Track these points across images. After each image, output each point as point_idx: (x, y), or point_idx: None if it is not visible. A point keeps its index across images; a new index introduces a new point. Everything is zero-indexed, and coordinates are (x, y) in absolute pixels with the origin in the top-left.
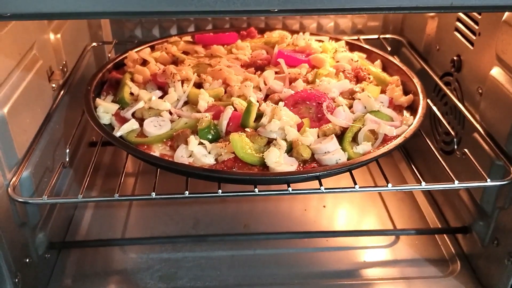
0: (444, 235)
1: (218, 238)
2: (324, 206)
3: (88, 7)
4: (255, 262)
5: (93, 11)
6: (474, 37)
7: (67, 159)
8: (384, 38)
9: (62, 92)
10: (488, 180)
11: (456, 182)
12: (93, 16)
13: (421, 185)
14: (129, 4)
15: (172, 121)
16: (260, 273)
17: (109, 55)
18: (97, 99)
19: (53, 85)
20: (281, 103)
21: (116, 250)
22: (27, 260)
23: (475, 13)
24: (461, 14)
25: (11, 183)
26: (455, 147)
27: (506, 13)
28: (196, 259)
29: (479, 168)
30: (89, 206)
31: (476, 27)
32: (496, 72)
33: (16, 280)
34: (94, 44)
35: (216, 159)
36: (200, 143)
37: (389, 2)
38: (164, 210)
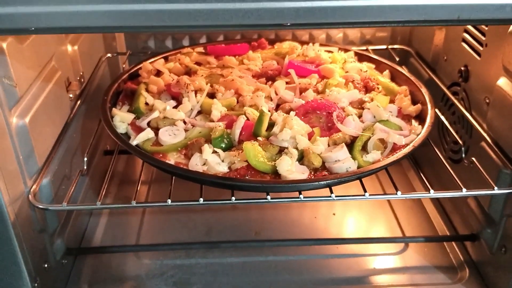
0: (453, 242)
1: (230, 245)
2: (334, 214)
3: (107, 22)
4: (266, 268)
5: (112, 25)
6: (481, 48)
7: (85, 167)
8: (393, 49)
9: (79, 102)
10: (496, 188)
11: (464, 190)
12: (112, 30)
13: (429, 193)
14: (148, 19)
15: (186, 130)
16: (271, 279)
17: (124, 65)
18: (114, 109)
19: (70, 95)
20: (292, 113)
21: (130, 256)
22: (46, 265)
23: (482, 25)
24: (468, 26)
25: (31, 190)
26: (463, 155)
27: None
28: (209, 266)
29: (487, 176)
30: (104, 213)
31: (483, 38)
32: (503, 82)
33: (36, 284)
34: (109, 55)
35: (229, 167)
36: (214, 152)
37: (398, 16)
38: (177, 217)
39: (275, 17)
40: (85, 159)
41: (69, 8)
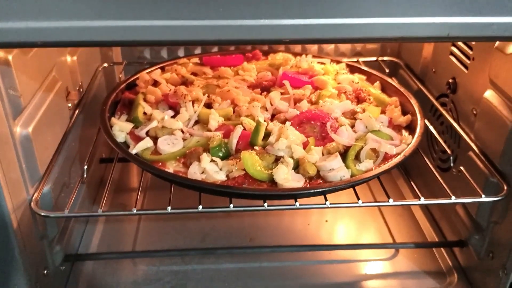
0: (442, 248)
1: (225, 251)
2: (326, 221)
3: (114, 37)
4: (261, 274)
5: (119, 40)
6: (468, 61)
7: (85, 175)
8: (382, 60)
9: (77, 111)
10: (483, 196)
11: (453, 197)
12: (119, 44)
13: (420, 200)
14: (156, 34)
15: (184, 140)
16: (266, 285)
17: (120, 75)
18: (113, 118)
19: (69, 105)
20: (287, 123)
21: (127, 262)
22: (45, 271)
23: None
24: None
25: (33, 198)
26: (451, 164)
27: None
28: (204, 271)
29: (474, 184)
30: (100, 221)
31: (470, 52)
32: (490, 94)
33: None
34: (105, 64)
35: (227, 176)
36: (212, 161)
37: (391, 32)
38: (173, 224)
39: (275, 33)
40: (85, 167)
41: (77, 24)
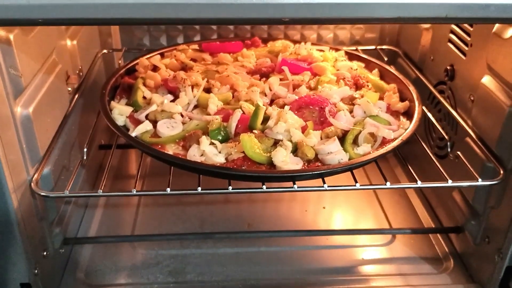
0: (438, 234)
1: (224, 236)
2: (324, 207)
3: (114, 14)
4: (259, 258)
5: (118, 17)
6: (466, 48)
7: (85, 157)
8: (381, 49)
9: (77, 96)
10: (480, 179)
11: (450, 181)
12: (119, 22)
13: (417, 183)
14: (159, 11)
15: (183, 123)
16: (264, 269)
17: (120, 62)
18: (112, 102)
19: (69, 89)
20: (286, 107)
21: (126, 246)
22: (45, 253)
23: (467, 25)
24: (454, 26)
25: (33, 178)
26: (449, 150)
27: (496, 25)
28: (203, 256)
29: (471, 169)
30: (99, 206)
31: (468, 38)
32: (487, 80)
33: (36, 271)
34: (105, 51)
35: (226, 158)
36: (211, 143)
37: (389, 13)
38: (171, 210)
39: (275, 12)
40: (85, 149)
41: (77, 1)
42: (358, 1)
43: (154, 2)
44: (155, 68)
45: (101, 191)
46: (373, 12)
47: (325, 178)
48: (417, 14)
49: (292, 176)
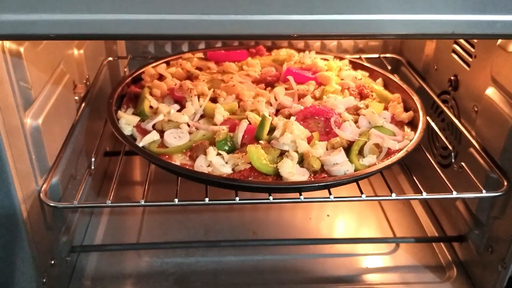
0: (441, 243)
1: (229, 244)
2: (327, 215)
3: (125, 30)
4: (263, 267)
5: (129, 33)
6: (470, 59)
7: (93, 167)
8: (384, 57)
9: (83, 104)
10: (484, 191)
11: (454, 192)
12: (129, 38)
13: (422, 195)
14: (167, 28)
15: (190, 133)
16: (268, 277)
17: (125, 69)
18: (119, 111)
19: (76, 98)
20: (292, 118)
21: (131, 254)
22: (52, 262)
23: None
24: None
25: (42, 189)
26: (453, 160)
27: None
28: (208, 264)
29: (475, 180)
30: (104, 214)
31: (472, 50)
32: (491, 92)
33: (44, 280)
34: (110, 58)
35: (233, 169)
36: (218, 154)
37: (396, 29)
38: (176, 217)
39: (284, 28)
40: (93, 159)
41: (89, 17)
42: (366, 17)
43: (165, 18)
44: (160, 77)
45: (110, 201)
46: (381, 29)
47: (331, 189)
48: (424, 30)
49: (298, 188)
